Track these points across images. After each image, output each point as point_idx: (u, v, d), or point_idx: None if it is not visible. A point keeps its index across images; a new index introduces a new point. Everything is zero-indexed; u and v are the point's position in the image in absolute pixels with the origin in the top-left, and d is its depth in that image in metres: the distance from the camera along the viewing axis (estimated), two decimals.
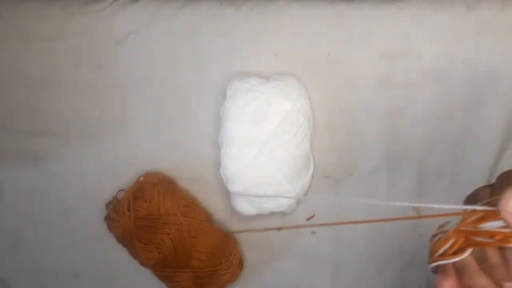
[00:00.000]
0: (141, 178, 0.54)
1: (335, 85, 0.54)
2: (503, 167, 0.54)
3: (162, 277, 0.53)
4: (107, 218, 0.54)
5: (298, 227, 0.53)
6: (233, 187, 0.51)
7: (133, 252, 0.53)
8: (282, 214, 0.54)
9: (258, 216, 0.53)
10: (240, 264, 0.54)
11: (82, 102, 0.56)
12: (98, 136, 0.56)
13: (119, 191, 0.55)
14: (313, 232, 0.56)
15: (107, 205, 0.55)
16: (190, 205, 0.54)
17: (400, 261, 0.56)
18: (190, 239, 0.52)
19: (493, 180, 0.54)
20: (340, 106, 0.54)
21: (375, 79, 0.53)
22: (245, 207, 0.52)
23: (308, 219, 0.56)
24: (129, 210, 0.52)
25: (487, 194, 0.32)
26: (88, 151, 0.56)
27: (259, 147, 0.49)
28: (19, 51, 0.55)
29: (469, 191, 0.54)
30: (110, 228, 0.54)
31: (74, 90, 0.56)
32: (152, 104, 0.55)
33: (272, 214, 0.53)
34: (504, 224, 0.26)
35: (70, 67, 0.55)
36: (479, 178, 0.54)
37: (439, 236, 0.31)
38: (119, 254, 0.56)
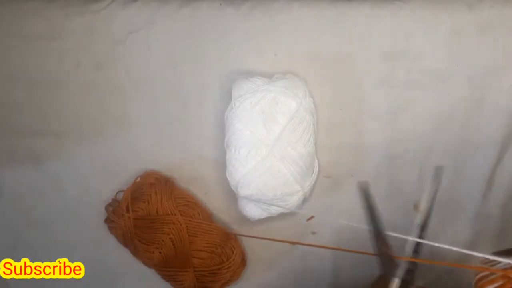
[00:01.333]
0: (138, 179, 0.54)
1: (335, 84, 0.54)
2: (505, 167, 0.54)
3: (165, 277, 0.53)
4: (107, 220, 0.54)
5: (311, 245, 0.53)
6: (243, 191, 0.49)
7: (135, 252, 0.53)
8: (287, 214, 0.53)
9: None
10: (243, 262, 0.54)
11: (82, 102, 0.56)
12: (98, 136, 0.56)
13: (118, 192, 0.55)
14: (314, 232, 0.56)
15: (106, 207, 0.54)
16: (188, 204, 0.54)
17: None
18: (190, 238, 0.52)
19: (494, 181, 0.55)
20: (341, 106, 0.54)
21: (376, 78, 0.53)
22: (255, 211, 0.52)
23: (308, 219, 0.56)
24: (128, 211, 0.51)
25: None
26: (88, 151, 0.56)
27: (269, 148, 0.48)
28: (18, 51, 0.55)
29: (469, 191, 0.55)
30: (111, 230, 0.54)
31: (74, 90, 0.55)
32: (152, 104, 0.55)
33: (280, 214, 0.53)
34: None
35: (70, 67, 0.55)
36: (480, 178, 0.54)
37: (486, 273, 0.30)
38: (119, 254, 0.56)
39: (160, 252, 0.51)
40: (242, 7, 0.53)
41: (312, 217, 0.56)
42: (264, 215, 0.52)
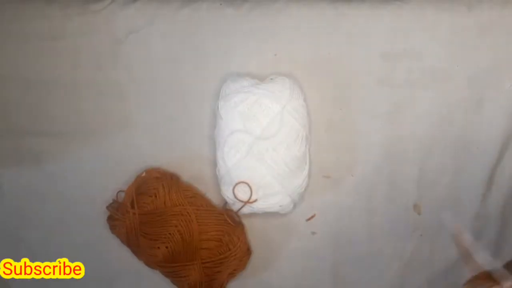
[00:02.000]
0: (144, 174, 0.54)
1: (335, 84, 0.54)
2: (504, 167, 0.54)
3: (169, 274, 0.53)
4: (110, 218, 0.54)
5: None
6: (224, 188, 0.52)
7: (137, 251, 0.53)
8: (279, 214, 0.53)
9: (258, 215, 0.53)
10: (248, 251, 0.54)
11: (82, 102, 0.56)
12: (98, 136, 0.56)
13: (119, 192, 0.55)
14: (314, 232, 0.56)
15: (108, 208, 0.54)
16: (195, 196, 0.54)
17: (400, 261, 0.56)
18: (199, 227, 0.52)
19: (494, 180, 0.55)
20: (341, 106, 0.54)
21: (375, 78, 0.54)
22: (237, 205, 0.52)
23: (308, 219, 0.56)
24: (133, 207, 0.51)
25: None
26: (88, 151, 0.56)
27: (248, 148, 0.49)
28: (18, 51, 0.55)
29: (469, 191, 0.55)
30: (114, 228, 0.53)
31: (74, 90, 0.55)
32: (152, 104, 0.55)
33: (272, 214, 0.53)
34: None
35: (70, 67, 0.55)
36: (480, 178, 0.54)
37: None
38: (119, 254, 0.56)
39: (166, 247, 0.51)
40: (242, 7, 0.53)
41: (312, 217, 0.56)
42: (247, 211, 0.52)
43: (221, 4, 0.54)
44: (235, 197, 0.51)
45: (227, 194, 0.52)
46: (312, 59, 0.54)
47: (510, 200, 0.54)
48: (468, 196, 0.55)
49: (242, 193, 0.51)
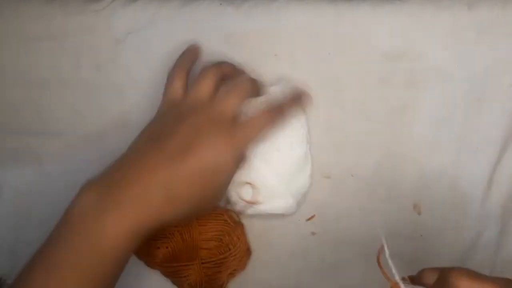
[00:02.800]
0: None
1: (335, 84, 0.54)
2: (505, 167, 0.54)
3: (170, 274, 0.53)
4: None
5: None
6: (227, 190, 0.51)
7: (137, 251, 0.53)
8: (279, 214, 0.53)
9: (258, 216, 0.53)
10: (248, 250, 0.54)
11: (82, 102, 0.56)
12: (98, 136, 0.56)
13: None
14: (314, 233, 0.56)
15: None
16: None
17: (400, 261, 0.56)
18: (199, 227, 0.51)
19: (494, 180, 0.55)
20: (340, 106, 0.54)
21: (375, 78, 0.53)
22: (240, 206, 0.52)
23: (308, 219, 0.56)
24: None
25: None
26: (88, 151, 0.56)
27: (249, 148, 0.49)
28: (18, 51, 0.55)
29: (469, 190, 0.55)
30: None
31: (74, 90, 0.55)
32: (152, 104, 0.55)
33: (273, 214, 0.53)
34: None
35: (70, 66, 0.55)
36: (480, 178, 0.54)
37: None
38: None
39: (166, 247, 0.51)
40: (242, 6, 0.53)
41: (312, 217, 0.56)
42: (250, 212, 0.52)
43: (221, 4, 0.54)
44: (239, 197, 0.51)
45: (230, 195, 0.52)
46: (312, 59, 0.54)
47: (510, 200, 0.54)
48: (468, 196, 0.55)
49: (245, 194, 0.51)
